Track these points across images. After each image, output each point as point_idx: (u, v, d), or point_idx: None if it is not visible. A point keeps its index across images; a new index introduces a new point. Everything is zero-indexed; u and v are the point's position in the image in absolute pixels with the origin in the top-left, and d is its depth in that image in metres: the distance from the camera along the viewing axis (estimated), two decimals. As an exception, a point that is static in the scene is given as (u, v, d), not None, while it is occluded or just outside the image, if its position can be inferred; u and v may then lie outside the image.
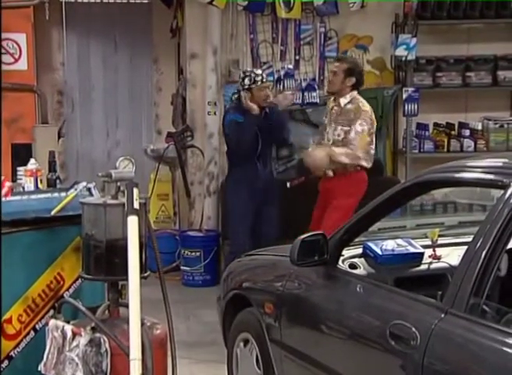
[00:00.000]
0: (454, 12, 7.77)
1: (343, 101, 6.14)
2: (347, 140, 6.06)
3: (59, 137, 8.15)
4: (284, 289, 3.89)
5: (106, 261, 3.55)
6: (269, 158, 6.56)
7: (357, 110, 6.07)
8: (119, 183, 3.57)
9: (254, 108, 6.22)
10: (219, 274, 7.20)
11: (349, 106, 6.11)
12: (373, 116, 6.14)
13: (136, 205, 3.42)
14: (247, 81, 6.23)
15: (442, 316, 2.83)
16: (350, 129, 6.07)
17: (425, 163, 7.29)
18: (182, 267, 7.60)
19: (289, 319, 3.86)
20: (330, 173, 6.15)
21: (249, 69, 6.67)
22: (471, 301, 2.76)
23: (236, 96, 6.48)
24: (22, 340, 3.92)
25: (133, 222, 3.40)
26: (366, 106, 6.12)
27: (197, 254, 7.47)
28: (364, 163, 6.09)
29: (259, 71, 6.44)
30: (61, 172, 7.77)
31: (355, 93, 6.17)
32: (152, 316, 3.73)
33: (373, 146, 6.20)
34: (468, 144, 7.87)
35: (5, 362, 3.85)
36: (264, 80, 6.30)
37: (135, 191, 3.44)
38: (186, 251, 7.54)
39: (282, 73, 7.86)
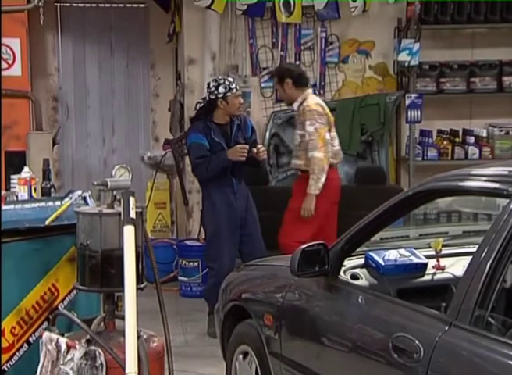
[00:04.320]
0: (458, 16, 7.79)
1: (296, 105, 6.34)
2: (304, 143, 6.23)
3: (54, 145, 8.13)
4: (284, 300, 3.89)
5: (102, 272, 3.55)
6: (243, 170, 6.22)
7: (302, 111, 6.23)
8: (115, 192, 3.57)
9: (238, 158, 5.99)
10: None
11: (299, 108, 6.30)
12: (322, 110, 6.25)
13: (132, 215, 3.42)
14: (221, 89, 6.02)
15: (447, 328, 2.82)
16: (304, 132, 6.22)
17: (429, 171, 7.30)
18: (179, 277, 7.59)
19: (290, 332, 3.86)
20: (299, 173, 6.47)
21: (220, 76, 6.46)
22: (476, 314, 2.75)
23: (200, 105, 6.27)
24: (15, 353, 3.92)
25: (129, 231, 3.40)
26: (311, 105, 6.23)
27: (195, 264, 7.46)
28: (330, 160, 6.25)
29: (231, 78, 6.24)
30: (55, 180, 7.76)
31: (306, 92, 6.34)
32: (149, 327, 3.73)
33: (336, 142, 6.36)
34: (473, 151, 7.87)
35: (-2, 376, 3.85)
36: (237, 87, 6.14)
37: (131, 199, 3.44)
38: (183, 261, 7.54)
39: (282, 78, 7.86)
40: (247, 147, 6.00)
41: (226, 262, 6.01)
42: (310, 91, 6.43)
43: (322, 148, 6.13)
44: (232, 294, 4.51)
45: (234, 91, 6.07)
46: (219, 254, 6.12)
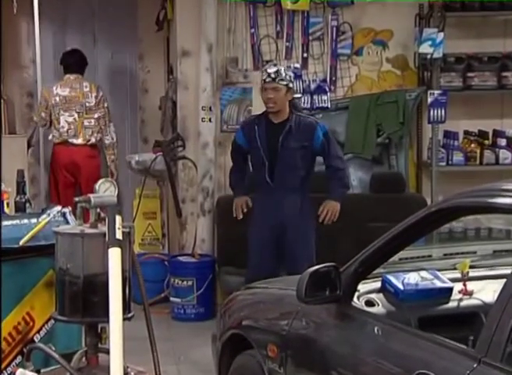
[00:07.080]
0: (488, 1, 7.79)
1: None
2: None
3: (29, 147, 8.14)
4: (290, 329, 3.90)
5: (83, 300, 3.56)
6: (296, 179, 6.19)
7: None
8: (98, 210, 3.58)
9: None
10: (215, 307, 7.22)
11: None
12: (47, 96, 8.30)
13: (118, 235, 3.42)
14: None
15: (475, 365, 2.82)
16: None
17: (454, 178, 7.33)
18: (171, 298, 7.59)
19: (296, 364, 3.87)
20: None
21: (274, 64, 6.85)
22: (509, 349, 2.75)
23: None
24: (-16, 391, 3.92)
25: (115, 254, 3.40)
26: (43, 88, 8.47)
27: (189, 283, 7.47)
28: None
29: (273, 68, 6.29)
30: (30, 187, 7.77)
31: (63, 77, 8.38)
32: (137, 358, 3.73)
33: (60, 125, 8.18)
34: (505, 155, 7.87)
35: (-35, 418, 3.86)
36: (267, 79, 6.16)
37: (117, 218, 3.44)
38: (176, 280, 7.53)
39: (287, 73, 7.87)
40: (245, 210, 6.36)
41: (252, 270, 6.08)
42: (66, 76, 8.36)
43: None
44: (232, 321, 4.52)
45: (262, 82, 6.25)
46: (249, 260, 6.27)
